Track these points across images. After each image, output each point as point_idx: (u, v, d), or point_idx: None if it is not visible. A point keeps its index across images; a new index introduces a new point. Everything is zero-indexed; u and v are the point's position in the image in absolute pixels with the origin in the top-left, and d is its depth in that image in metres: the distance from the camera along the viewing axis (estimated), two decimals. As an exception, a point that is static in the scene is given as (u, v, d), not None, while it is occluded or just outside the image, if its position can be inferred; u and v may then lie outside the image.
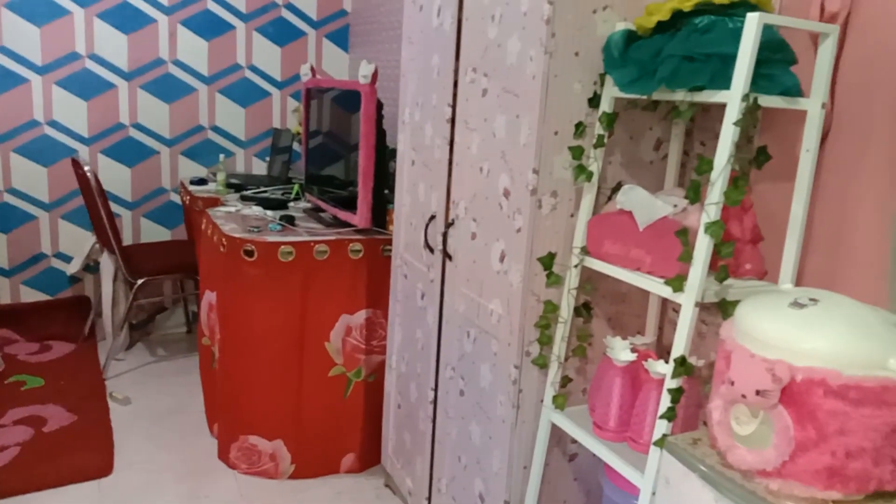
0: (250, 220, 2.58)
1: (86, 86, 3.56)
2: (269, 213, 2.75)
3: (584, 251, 1.49)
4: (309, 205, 2.96)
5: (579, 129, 1.48)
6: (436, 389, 1.98)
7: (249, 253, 2.28)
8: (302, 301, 2.35)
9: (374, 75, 2.30)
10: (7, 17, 3.34)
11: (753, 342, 1.05)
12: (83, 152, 3.61)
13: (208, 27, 3.75)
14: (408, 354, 2.16)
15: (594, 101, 1.47)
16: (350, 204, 2.45)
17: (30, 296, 3.66)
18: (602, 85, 1.46)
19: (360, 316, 2.44)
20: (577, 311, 1.57)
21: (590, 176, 1.47)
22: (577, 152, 1.48)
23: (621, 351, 1.45)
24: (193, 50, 3.74)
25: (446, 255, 1.88)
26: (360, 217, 2.39)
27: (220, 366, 2.52)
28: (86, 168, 3.02)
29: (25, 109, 3.46)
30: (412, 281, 2.11)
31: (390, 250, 2.41)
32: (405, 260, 2.16)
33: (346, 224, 2.53)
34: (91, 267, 3.66)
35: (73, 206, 3.65)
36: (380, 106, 2.34)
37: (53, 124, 3.53)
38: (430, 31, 1.93)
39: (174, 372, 3.30)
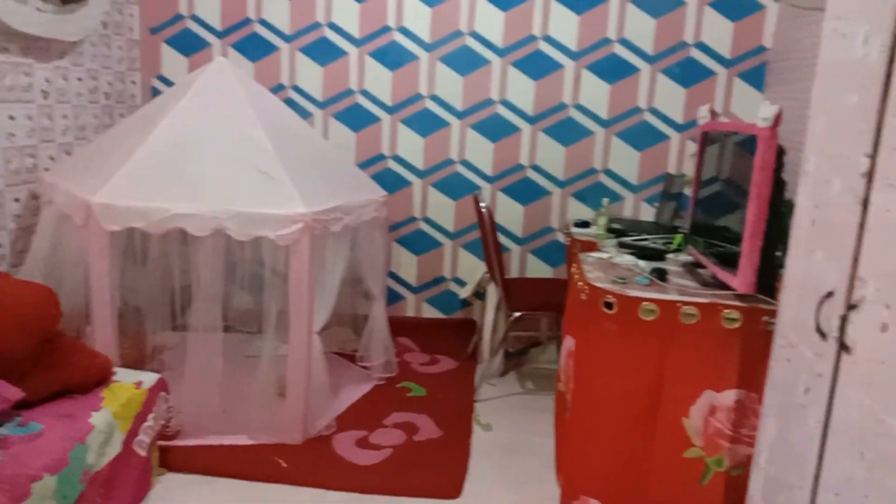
0: (619, 269, 2.44)
1: (495, 129, 3.87)
2: (642, 263, 2.57)
3: None
4: (689, 258, 2.69)
5: None
6: (810, 513, 1.56)
7: (609, 305, 2.14)
8: (660, 366, 2.11)
9: (778, 118, 1.96)
10: (440, 70, 3.83)
11: None
12: (485, 189, 3.93)
13: (612, 71, 3.76)
14: (780, 457, 1.76)
15: None
16: (733, 263, 2.13)
17: (428, 312, 4.12)
18: None
19: (729, 396, 2.09)
20: None
21: None
22: None
23: None
24: (595, 94, 3.78)
25: (842, 347, 1.46)
26: (742, 280, 2.05)
27: (571, 417, 2.43)
28: (482, 205, 3.25)
29: (444, 149, 3.92)
30: (795, 368, 1.71)
31: (774, 324, 2.02)
32: (790, 340, 1.76)
33: (725, 286, 2.21)
34: (480, 294, 3.95)
35: (472, 237, 3.99)
36: (781, 153, 1.98)
37: (465, 163, 3.93)
38: (850, 64, 1.55)
39: (537, 407, 3.33)
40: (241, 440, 2.77)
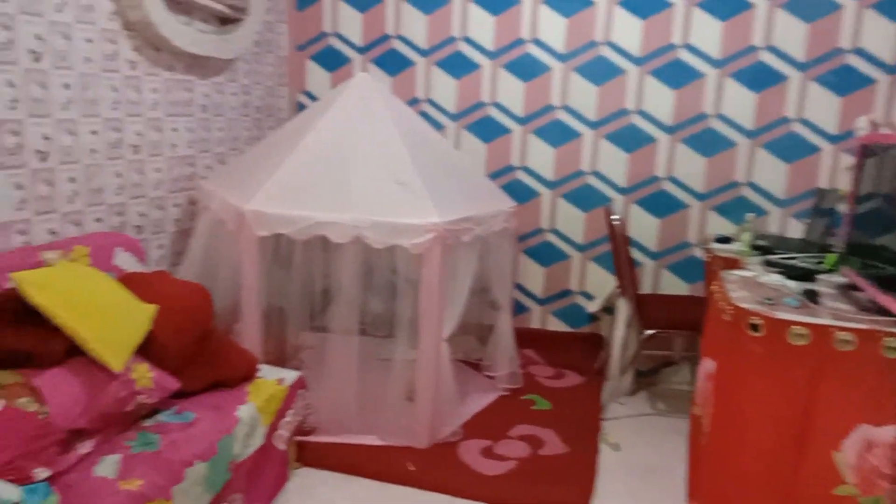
0: (766, 289, 2.31)
1: (629, 139, 3.78)
2: (791, 283, 2.41)
3: None
4: (844, 280, 2.49)
5: None
6: None
7: (755, 327, 2.02)
8: (809, 395, 1.97)
9: (956, 129, 1.78)
10: (573, 80, 3.79)
11: None
12: (618, 201, 3.84)
13: (758, 79, 3.56)
14: (953, 504, 1.59)
15: None
16: (895, 286, 1.96)
17: (554, 325, 4.07)
18: None
19: (888, 432, 1.91)
20: None
21: None
22: None
23: None
24: (739, 103, 3.60)
25: None
26: (909, 307, 1.88)
27: (709, 443, 2.31)
28: (613, 217, 3.18)
29: (575, 161, 3.87)
30: (974, 407, 1.54)
31: (947, 357, 1.83)
32: (967, 376, 1.59)
33: (886, 311, 2.03)
34: (609, 309, 3.86)
35: (602, 250, 3.91)
36: (958, 168, 1.80)
37: (596, 174, 3.86)
38: None
39: (668, 429, 3.20)
40: (372, 440, 2.86)
